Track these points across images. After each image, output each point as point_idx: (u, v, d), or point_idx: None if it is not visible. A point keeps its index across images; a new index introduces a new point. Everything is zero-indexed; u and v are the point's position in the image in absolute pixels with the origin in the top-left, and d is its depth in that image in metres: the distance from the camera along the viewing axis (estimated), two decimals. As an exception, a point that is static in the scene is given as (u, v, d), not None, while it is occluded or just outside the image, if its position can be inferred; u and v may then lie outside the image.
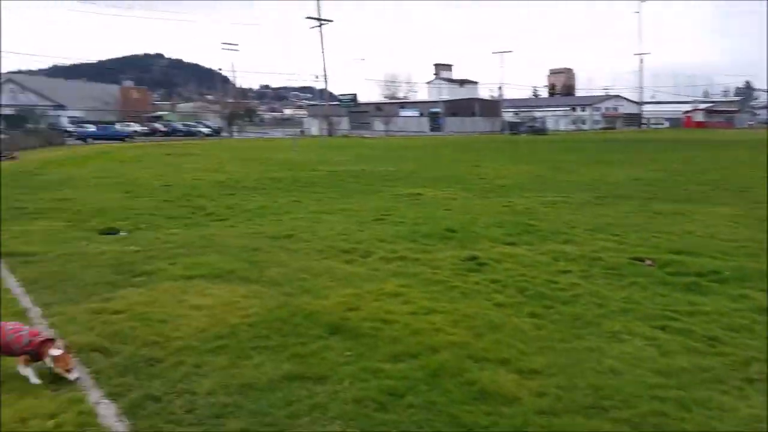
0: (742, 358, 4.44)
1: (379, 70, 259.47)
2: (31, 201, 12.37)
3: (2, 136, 36.31)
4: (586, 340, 4.87)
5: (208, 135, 65.02)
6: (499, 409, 3.77)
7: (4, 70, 70.24)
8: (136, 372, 4.16)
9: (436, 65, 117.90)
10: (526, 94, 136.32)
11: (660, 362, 4.41)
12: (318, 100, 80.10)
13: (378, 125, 78.84)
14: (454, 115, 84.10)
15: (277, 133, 73.11)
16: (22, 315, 5.18)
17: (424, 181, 17.11)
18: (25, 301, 5.61)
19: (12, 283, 6.23)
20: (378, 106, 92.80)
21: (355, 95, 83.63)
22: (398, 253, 7.78)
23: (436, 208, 11.77)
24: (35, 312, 5.32)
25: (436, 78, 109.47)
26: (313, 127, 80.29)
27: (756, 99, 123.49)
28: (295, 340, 4.80)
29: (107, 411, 3.60)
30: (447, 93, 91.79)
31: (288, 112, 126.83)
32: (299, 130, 73.02)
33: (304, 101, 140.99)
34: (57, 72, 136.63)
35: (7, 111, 47.54)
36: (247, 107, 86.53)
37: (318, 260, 7.50)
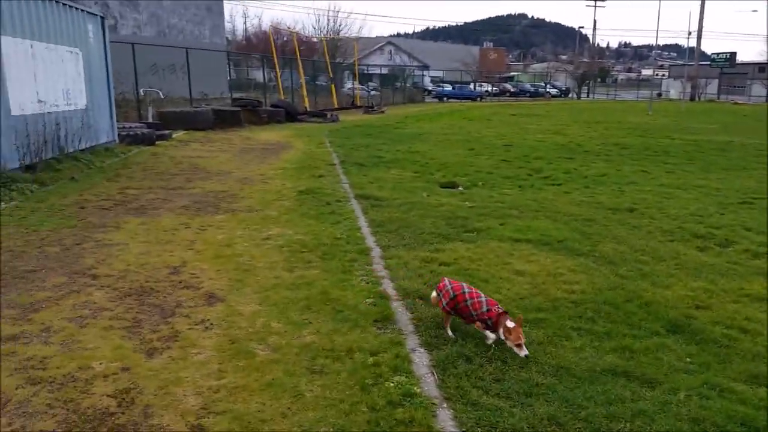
0: None
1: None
2: (388, 151, 13.93)
3: (375, 92, 42.09)
4: None
5: (554, 96, 64.26)
6: None
7: (387, 34, 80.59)
8: (453, 327, 4.17)
9: None
10: None
11: None
12: (685, 59, 70.82)
13: (758, 89, 66.28)
14: None
15: (630, 95, 67.84)
16: (364, 253, 5.76)
17: (818, 160, 13.61)
18: (370, 241, 6.22)
19: (362, 222, 7.01)
20: (762, 67, 77.75)
21: (733, 54, 70.99)
22: (771, 248, 6.27)
23: (834, 197, 9.18)
24: (376, 252, 5.84)
25: None
26: (673, 89, 71.85)
27: None
28: (626, 331, 4.21)
29: (420, 360, 3.68)
30: None
31: (646, 72, 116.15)
32: (656, 92, 66.11)
33: (667, 60, 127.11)
34: (427, 34, 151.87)
35: (384, 70, 54.73)
36: (600, 67, 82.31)
37: (663, 242, 6.54)
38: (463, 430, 3.02)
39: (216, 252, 5.74)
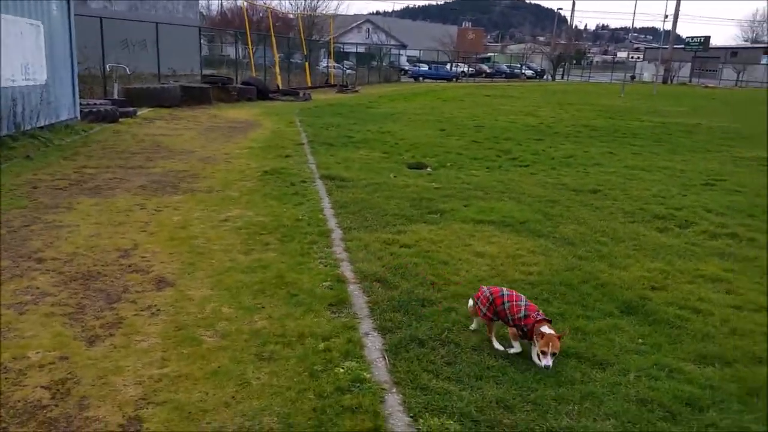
0: None
1: (751, 7, 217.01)
2: (359, 131, 13.77)
3: (350, 71, 41.61)
4: None
5: (529, 77, 64.39)
6: None
7: (365, 11, 79.36)
8: (409, 310, 4.13)
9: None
10: None
11: None
12: (660, 42, 71.38)
13: (728, 73, 67.27)
14: None
15: (604, 77, 68.29)
16: (325, 235, 5.68)
17: (780, 142, 13.86)
18: (332, 223, 6.13)
19: (326, 204, 6.90)
20: (733, 52, 78.95)
21: (706, 38, 71.83)
22: (729, 229, 6.36)
23: (792, 179, 9.35)
24: (337, 234, 5.76)
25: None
26: (646, 72, 72.53)
27: None
28: (580, 312, 4.22)
29: (373, 344, 3.63)
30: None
31: (622, 55, 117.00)
32: (629, 75, 66.61)
33: (643, 43, 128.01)
34: (407, 13, 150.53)
35: (360, 49, 54.08)
36: (576, 49, 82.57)
37: (623, 223, 6.58)
38: (411, 415, 2.98)
39: (170, 234, 5.59)
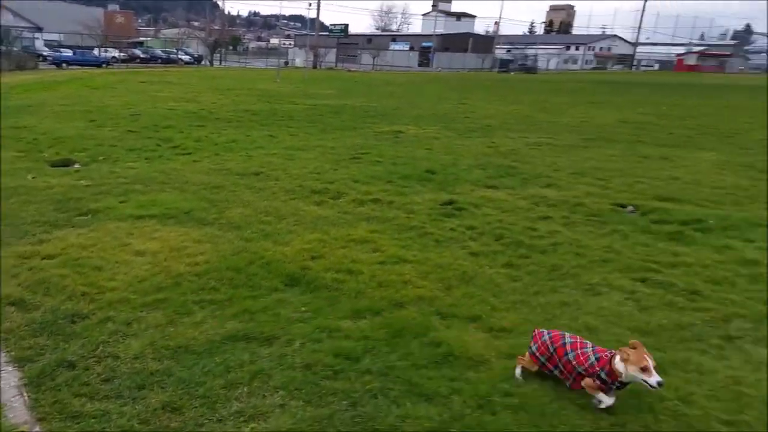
0: (722, 314, 4.21)
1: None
2: (-20, 128, 11.46)
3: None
4: (562, 293, 4.52)
5: (188, 63, 62.66)
6: (463, 374, 3.35)
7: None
8: (54, 331, 3.62)
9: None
10: (523, 30, 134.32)
11: (638, 319, 4.11)
12: (308, 29, 76.99)
13: (366, 58, 76.52)
14: (447, 50, 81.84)
15: (260, 63, 70.54)
16: (-69, 260, 4.56)
17: (406, 118, 16.32)
18: (-56, 243, 4.96)
19: (-66, 221, 5.56)
20: (369, 39, 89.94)
21: (346, 26, 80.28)
22: (372, 195, 7.21)
23: (416, 148, 11.09)
24: (-49, 256, 4.68)
25: (433, 10, 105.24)
26: (298, 58, 77.64)
27: (752, 43, 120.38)
28: (247, 293, 4.27)
29: (8, 381, 3.05)
30: (442, 27, 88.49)
31: (274, 41, 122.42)
32: (283, 60, 70.22)
33: (292, 30, 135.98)
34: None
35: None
36: (231, 35, 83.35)
37: (285, 201, 6.89)
38: (60, 450, 2.60)
39: None
